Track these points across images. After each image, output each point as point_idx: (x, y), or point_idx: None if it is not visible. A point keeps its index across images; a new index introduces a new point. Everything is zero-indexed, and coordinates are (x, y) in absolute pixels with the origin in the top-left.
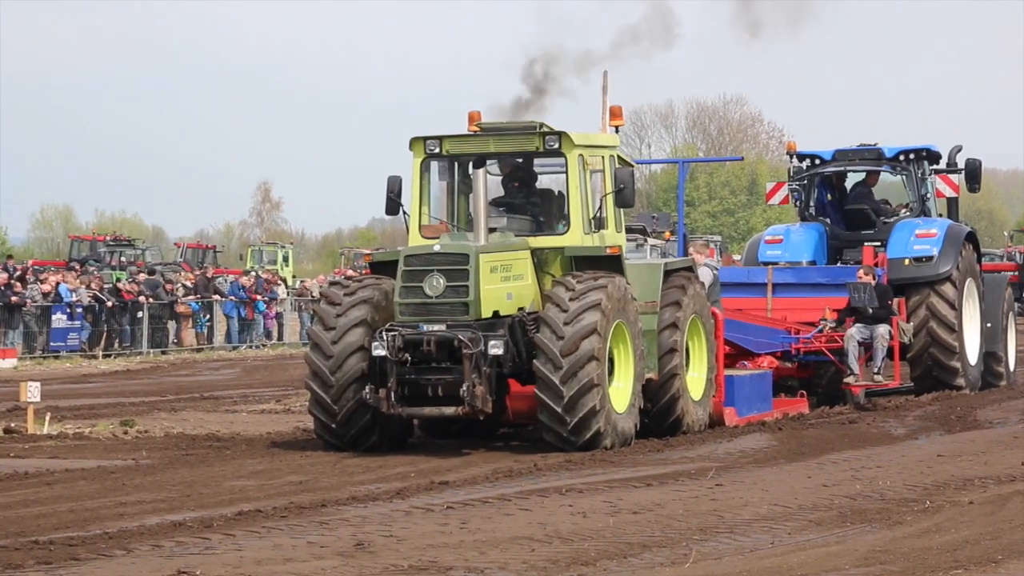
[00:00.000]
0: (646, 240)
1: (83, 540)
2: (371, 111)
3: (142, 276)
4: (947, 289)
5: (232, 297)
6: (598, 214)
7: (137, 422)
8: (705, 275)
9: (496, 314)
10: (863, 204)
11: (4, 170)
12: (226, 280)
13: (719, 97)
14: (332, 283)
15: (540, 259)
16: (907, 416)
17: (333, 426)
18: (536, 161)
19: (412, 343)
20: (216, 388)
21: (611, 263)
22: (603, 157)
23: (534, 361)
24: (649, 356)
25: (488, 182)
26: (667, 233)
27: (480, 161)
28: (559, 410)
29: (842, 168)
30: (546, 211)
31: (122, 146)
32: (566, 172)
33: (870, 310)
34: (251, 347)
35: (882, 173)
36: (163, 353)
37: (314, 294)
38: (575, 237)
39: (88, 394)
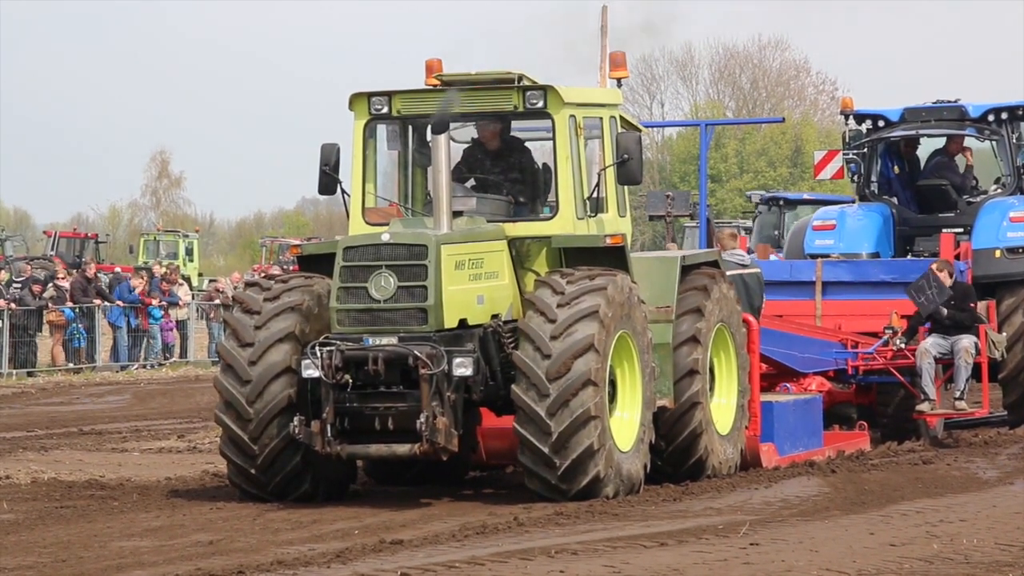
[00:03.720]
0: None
1: None
2: (301, 58)
3: (2, 274)
4: None
5: (120, 302)
6: (595, 193)
7: None
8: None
9: (463, 323)
10: (941, 179)
11: None
12: (112, 279)
13: (752, 40)
14: (249, 284)
15: (520, 252)
16: (999, 454)
17: (252, 471)
18: (515, 124)
19: (354, 361)
20: (99, 420)
21: (612, 256)
22: (601, 119)
23: (513, 386)
24: (662, 377)
25: (452, 152)
26: None
27: (441, 124)
28: (546, 450)
29: (914, 132)
30: (527, 189)
31: None
32: (553, 138)
33: (944, 312)
34: (145, 366)
35: (966, 138)
36: (29, 375)
37: (228, 297)
38: (565, 223)
39: None
